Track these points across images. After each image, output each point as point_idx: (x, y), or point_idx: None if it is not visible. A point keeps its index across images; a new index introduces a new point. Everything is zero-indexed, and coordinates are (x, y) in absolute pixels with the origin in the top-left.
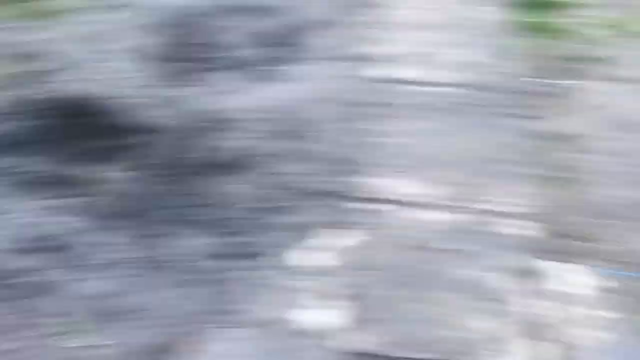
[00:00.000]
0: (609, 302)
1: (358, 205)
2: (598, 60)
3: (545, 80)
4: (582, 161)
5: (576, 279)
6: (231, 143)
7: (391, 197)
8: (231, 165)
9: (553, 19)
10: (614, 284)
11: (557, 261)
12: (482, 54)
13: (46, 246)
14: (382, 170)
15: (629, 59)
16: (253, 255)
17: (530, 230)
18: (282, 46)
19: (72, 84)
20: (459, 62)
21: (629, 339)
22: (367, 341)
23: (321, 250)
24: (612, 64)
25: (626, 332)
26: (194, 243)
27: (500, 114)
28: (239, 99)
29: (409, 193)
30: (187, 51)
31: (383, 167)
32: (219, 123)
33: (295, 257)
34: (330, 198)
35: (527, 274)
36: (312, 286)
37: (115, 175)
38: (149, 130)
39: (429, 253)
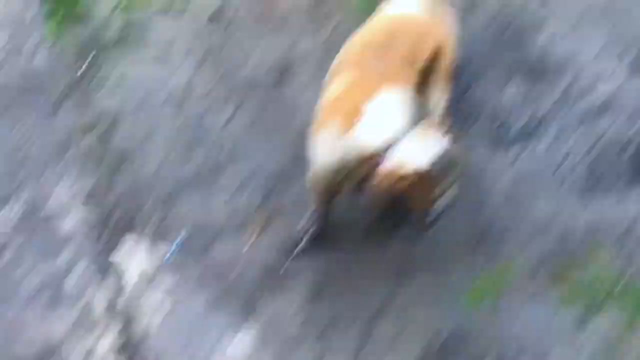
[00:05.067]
0: (163, 277)
1: None
2: (120, 40)
3: (75, 67)
4: (121, 145)
5: (140, 258)
6: None
7: None
8: None
9: (75, 4)
10: (168, 258)
11: (119, 246)
12: (6, 50)
13: None
14: None
15: (148, 37)
16: None
17: (90, 218)
18: None
19: None
20: None
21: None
22: None
23: None
24: (133, 43)
25: (185, 296)
26: None
27: (31, 105)
28: None
29: None
30: None
31: None
32: None
33: None
34: None
35: (96, 263)
36: None
37: None
38: None
39: None
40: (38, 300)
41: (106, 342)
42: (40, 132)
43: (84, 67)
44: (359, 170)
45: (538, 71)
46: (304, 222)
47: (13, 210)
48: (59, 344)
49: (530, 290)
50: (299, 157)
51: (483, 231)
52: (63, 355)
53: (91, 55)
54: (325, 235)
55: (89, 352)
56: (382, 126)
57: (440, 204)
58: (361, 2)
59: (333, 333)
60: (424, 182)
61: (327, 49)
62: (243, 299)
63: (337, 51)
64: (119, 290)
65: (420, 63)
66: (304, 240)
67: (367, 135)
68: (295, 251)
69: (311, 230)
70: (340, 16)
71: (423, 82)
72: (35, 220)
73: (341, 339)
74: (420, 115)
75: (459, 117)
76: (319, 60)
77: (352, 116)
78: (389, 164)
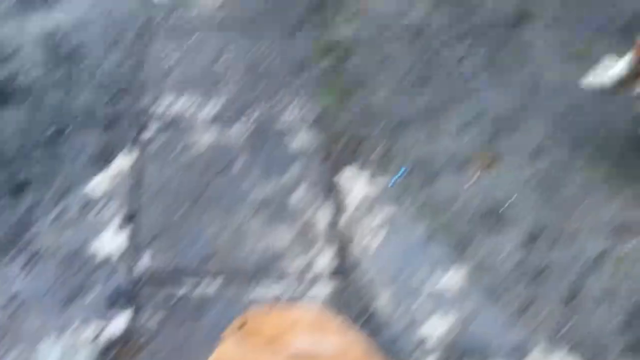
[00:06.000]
0: (384, 203)
1: (139, 127)
2: None
3: None
4: (356, 69)
5: (362, 183)
6: (3, 72)
7: (171, 117)
8: (6, 95)
9: None
10: (391, 185)
11: (344, 168)
12: None
13: None
14: (161, 91)
15: None
16: (39, 187)
17: (318, 139)
18: None
19: None
20: None
21: (403, 231)
22: (163, 260)
23: (106, 176)
24: None
25: (401, 226)
26: None
27: (273, 25)
28: (8, 26)
29: (189, 112)
30: None
31: (161, 88)
32: None
33: (82, 185)
34: (109, 122)
35: (320, 183)
36: (99, 214)
37: None
38: None
39: (217, 171)
40: (263, 211)
41: (323, 259)
42: (278, 51)
43: None
44: None
45: None
46: None
47: (247, 123)
48: (278, 255)
49: None
50: (530, 101)
51: None
52: (282, 266)
53: None
54: None
55: (307, 267)
56: None
57: None
58: None
59: (544, 280)
60: None
61: None
62: (459, 236)
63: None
64: (340, 211)
65: None
66: None
67: None
68: None
69: None
70: None
71: None
72: (266, 135)
73: (552, 287)
74: None
75: None
76: (559, 7)
77: None
78: None
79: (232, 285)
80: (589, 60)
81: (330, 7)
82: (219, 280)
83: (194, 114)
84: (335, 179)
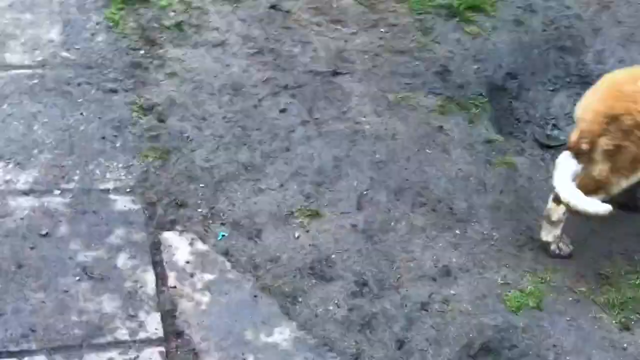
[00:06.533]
0: (209, 263)
1: None
2: (179, 26)
3: (134, 50)
4: (175, 129)
5: (186, 245)
6: None
7: None
8: None
9: None
10: (214, 245)
11: (167, 230)
12: (67, 30)
13: None
14: None
15: (207, 23)
16: None
17: (139, 203)
18: None
19: None
20: (42, 41)
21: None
22: None
23: None
24: (192, 29)
25: (227, 287)
26: None
27: (88, 87)
28: None
29: (4, 181)
30: None
31: None
32: None
33: None
34: None
35: (143, 247)
36: None
37: None
38: None
39: (37, 240)
40: (87, 278)
41: (151, 324)
42: (95, 114)
43: (142, 49)
44: None
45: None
46: None
47: (66, 189)
48: (108, 318)
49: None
50: (350, 151)
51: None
52: (109, 333)
53: (150, 39)
54: None
55: (134, 333)
56: None
57: None
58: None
59: (373, 329)
60: None
61: (382, 44)
62: (286, 291)
63: (392, 46)
64: (165, 275)
65: None
66: None
67: None
68: None
69: None
70: (397, 13)
71: None
72: (86, 200)
73: (383, 333)
74: None
75: (510, 121)
76: (375, 54)
77: None
78: None
79: (58, 357)
80: (406, 108)
81: (147, 67)
82: (43, 353)
83: (9, 182)
84: (159, 242)
